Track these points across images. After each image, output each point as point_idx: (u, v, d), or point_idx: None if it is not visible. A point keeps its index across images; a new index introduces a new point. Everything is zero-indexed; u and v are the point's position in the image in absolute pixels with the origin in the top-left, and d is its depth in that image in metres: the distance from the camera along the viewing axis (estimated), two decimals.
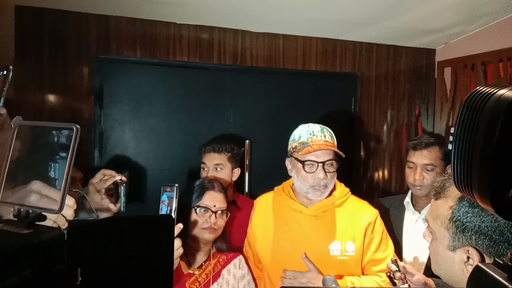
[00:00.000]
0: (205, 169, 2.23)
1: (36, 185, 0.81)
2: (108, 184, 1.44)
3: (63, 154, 1.02)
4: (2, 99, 0.82)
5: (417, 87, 3.19)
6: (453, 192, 1.02)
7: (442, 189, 1.06)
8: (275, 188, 1.93)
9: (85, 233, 0.44)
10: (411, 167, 2.07)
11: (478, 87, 0.43)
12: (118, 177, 1.46)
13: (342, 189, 1.82)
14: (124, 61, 2.59)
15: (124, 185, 1.45)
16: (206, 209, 1.74)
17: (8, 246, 0.39)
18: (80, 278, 0.42)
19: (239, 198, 2.36)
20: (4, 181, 0.50)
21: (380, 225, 1.78)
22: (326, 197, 1.76)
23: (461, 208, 0.98)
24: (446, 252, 1.00)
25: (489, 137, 0.38)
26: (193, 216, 1.73)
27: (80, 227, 0.44)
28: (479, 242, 0.94)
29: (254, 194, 2.74)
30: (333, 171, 1.71)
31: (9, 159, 0.50)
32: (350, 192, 1.84)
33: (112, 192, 1.49)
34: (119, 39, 2.53)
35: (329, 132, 1.75)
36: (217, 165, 2.22)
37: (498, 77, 2.67)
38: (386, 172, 3.15)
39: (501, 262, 0.41)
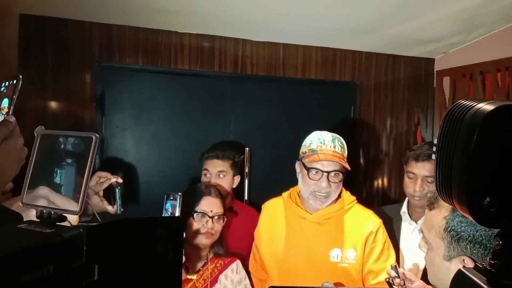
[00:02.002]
0: (207, 175, 2.25)
1: (43, 190, 0.84)
2: (104, 186, 1.48)
3: (69, 161, 1.05)
4: (12, 107, 0.85)
5: (416, 96, 3.22)
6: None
7: (436, 200, 1.07)
8: (283, 194, 1.95)
9: (102, 233, 0.48)
10: (411, 178, 2.05)
11: (459, 101, 0.45)
12: (113, 179, 1.49)
13: (347, 197, 1.84)
14: (126, 68, 2.62)
15: (119, 187, 1.47)
16: (203, 214, 1.78)
17: (34, 243, 0.43)
18: (97, 275, 0.45)
19: (237, 205, 2.37)
20: (27, 185, 0.54)
21: (382, 234, 1.78)
22: (330, 205, 1.78)
23: (455, 218, 0.99)
24: (442, 262, 1.01)
25: (467, 148, 0.40)
26: (191, 221, 1.75)
27: (98, 227, 0.47)
28: (474, 252, 0.95)
29: (253, 201, 2.75)
30: (338, 182, 1.73)
31: (32, 165, 0.54)
32: (356, 201, 1.85)
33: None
34: (122, 47, 2.57)
35: (341, 143, 1.77)
36: (220, 172, 2.24)
37: (496, 86, 2.69)
38: (385, 180, 3.16)
39: (481, 267, 0.43)
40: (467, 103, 0.43)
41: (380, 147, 3.16)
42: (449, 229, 1.00)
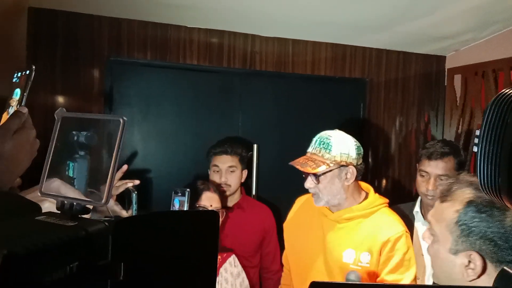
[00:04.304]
0: (218, 171, 2.24)
1: (55, 183, 0.82)
2: (120, 190, 1.49)
3: (82, 153, 1.03)
4: (25, 98, 0.84)
5: (427, 94, 3.18)
6: (461, 196, 1.03)
7: (449, 192, 1.06)
8: None
9: (130, 227, 0.43)
10: (424, 176, 2.02)
11: (504, 89, 0.43)
12: (130, 184, 1.50)
13: (373, 199, 1.77)
14: (135, 63, 2.61)
15: (136, 192, 1.48)
16: (204, 208, 1.85)
17: (57, 238, 0.38)
18: (123, 274, 0.41)
19: (247, 201, 2.37)
20: (46, 173, 0.50)
21: (404, 244, 1.68)
22: (353, 205, 1.74)
23: (468, 212, 0.99)
24: (447, 255, 1.01)
25: None
26: None
27: (126, 221, 0.43)
28: (483, 247, 0.95)
29: (261, 198, 2.74)
30: (319, 182, 1.68)
31: (52, 151, 0.50)
32: (385, 204, 1.78)
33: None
34: (131, 42, 2.55)
35: (325, 144, 1.69)
36: (230, 167, 2.25)
37: (509, 84, 2.65)
38: (395, 178, 3.13)
39: None
40: None
41: (389, 145, 3.13)
42: (460, 223, 0.99)
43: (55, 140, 0.50)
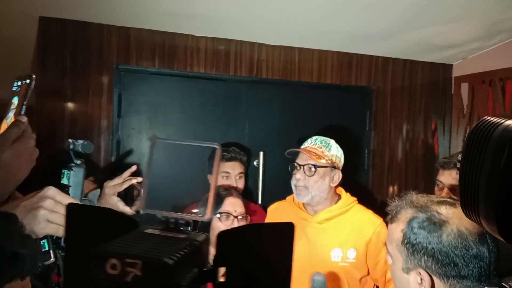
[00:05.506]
0: (227, 177, 2.23)
1: (51, 191, 0.83)
2: (124, 187, 1.48)
3: (78, 162, 1.05)
4: (24, 107, 0.83)
5: (434, 102, 3.17)
6: (404, 216, 1.04)
7: (395, 213, 1.08)
8: (287, 197, 2.03)
9: (229, 237, 0.49)
10: (439, 185, 2.02)
11: (485, 117, 0.44)
12: (134, 181, 1.50)
13: (346, 198, 1.89)
14: (143, 71, 2.64)
15: (142, 188, 1.48)
16: (228, 215, 1.79)
17: (186, 248, 0.43)
18: (225, 277, 0.46)
19: (246, 205, 2.39)
20: (146, 193, 0.54)
21: (385, 234, 1.76)
22: (330, 206, 1.85)
23: (411, 230, 1.00)
24: (402, 274, 1.02)
25: (496, 165, 0.39)
26: (216, 223, 1.76)
27: (226, 232, 0.48)
28: (428, 264, 0.95)
29: (266, 205, 2.75)
30: (314, 176, 1.78)
31: (148, 173, 0.55)
32: (356, 201, 1.89)
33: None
34: (139, 50, 2.59)
35: (324, 142, 1.84)
36: (239, 174, 2.25)
37: None
38: (401, 186, 3.12)
39: (507, 287, 0.42)
40: (494, 119, 0.42)
41: (395, 153, 3.12)
42: (405, 242, 1.00)
43: (151, 163, 0.55)
